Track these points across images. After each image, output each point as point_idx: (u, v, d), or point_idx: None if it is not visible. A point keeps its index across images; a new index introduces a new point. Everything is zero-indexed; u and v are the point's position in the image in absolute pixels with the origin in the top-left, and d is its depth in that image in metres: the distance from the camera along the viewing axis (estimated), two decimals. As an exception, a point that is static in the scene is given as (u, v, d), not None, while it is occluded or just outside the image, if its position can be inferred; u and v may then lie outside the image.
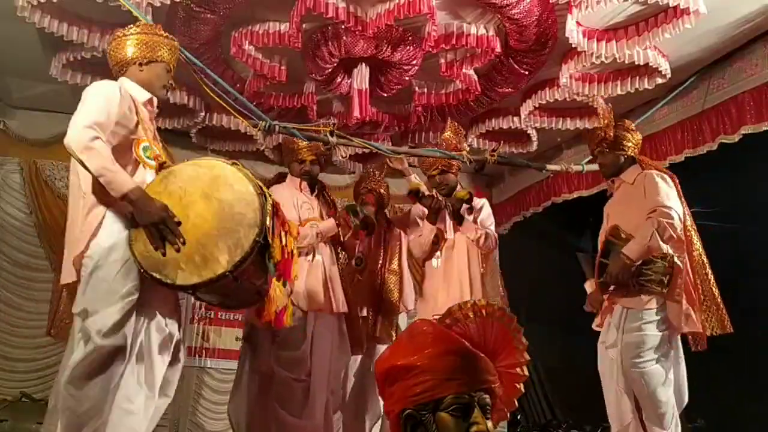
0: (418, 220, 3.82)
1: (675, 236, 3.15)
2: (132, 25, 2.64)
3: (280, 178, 3.76)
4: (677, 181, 3.36)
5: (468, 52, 4.25)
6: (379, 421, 3.97)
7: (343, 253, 3.96)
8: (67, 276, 2.39)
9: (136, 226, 2.30)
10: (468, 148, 3.93)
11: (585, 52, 4.01)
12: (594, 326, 3.43)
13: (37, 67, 4.59)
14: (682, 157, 4.61)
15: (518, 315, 1.58)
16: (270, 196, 2.46)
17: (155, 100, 2.63)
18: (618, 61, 4.05)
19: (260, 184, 2.46)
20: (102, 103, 2.36)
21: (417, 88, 4.77)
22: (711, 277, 3.33)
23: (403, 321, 4.26)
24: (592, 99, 4.61)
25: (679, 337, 3.29)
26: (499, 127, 5.20)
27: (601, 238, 3.49)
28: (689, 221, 3.35)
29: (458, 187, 3.85)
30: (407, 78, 4.45)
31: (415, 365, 1.43)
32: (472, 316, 1.55)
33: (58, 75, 4.48)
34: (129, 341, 2.28)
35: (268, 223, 2.34)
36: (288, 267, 2.53)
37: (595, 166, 3.77)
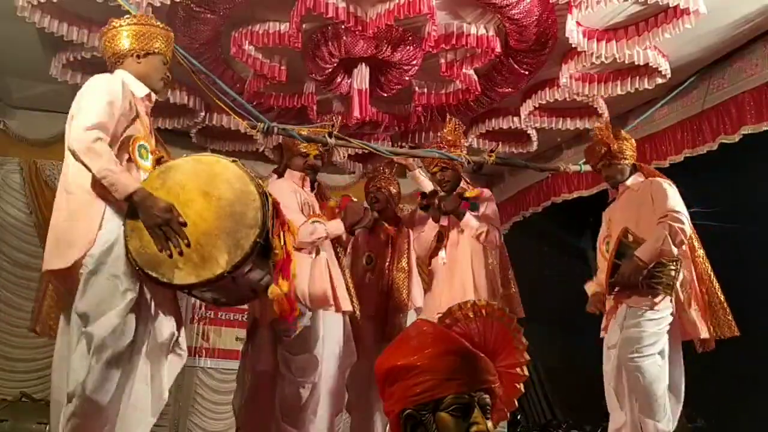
0: (423, 219, 3.81)
1: (686, 241, 3.24)
2: (127, 16, 2.60)
3: (277, 176, 3.71)
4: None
5: (468, 52, 4.25)
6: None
7: (347, 252, 3.94)
8: (59, 262, 2.29)
9: (130, 219, 2.25)
10: (466, 148, 3.93)
11: (585, 52, 4.01)
12: (601, 331, 3.44)
13: (37, 67, 4.60)
14: (681, 157, 4.62)
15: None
16: (270, 195, 2.42)
17: (153, 95, 2.59)
18: (618, 61, 4.05)
19: (260, 182, 2.42)
20: (104, 101, 2.32)
21: (417, 88, 4.77)
22: (715, 282, 3.39)
23: (411, 319, 4.25)
24: (592, 99, 4.62)
25: (680, 340, 3.32)
26: (499, 127, 5.20)
27: (600, 241, 3.54)
28: (691, 227, 3.39)
29: (462, 182, 3.83)
30: (407, 78, 4.46)
31: (415, 365, 1.43)
32: (472, 316, 1.55)
33: (58, 75, 4.48)
34: (132, 340, 2.26)
35: (268, 223, 2.30)
36: (287, 266, 2.49)
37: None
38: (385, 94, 4.62)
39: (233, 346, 5.84)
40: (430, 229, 3.76)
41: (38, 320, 2.73)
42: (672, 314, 3.22)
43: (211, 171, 2.33)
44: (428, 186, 3.86)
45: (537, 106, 4.82)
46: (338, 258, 3.54)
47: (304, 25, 3.92)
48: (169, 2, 3.57)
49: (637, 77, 4.32)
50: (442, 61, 4.27)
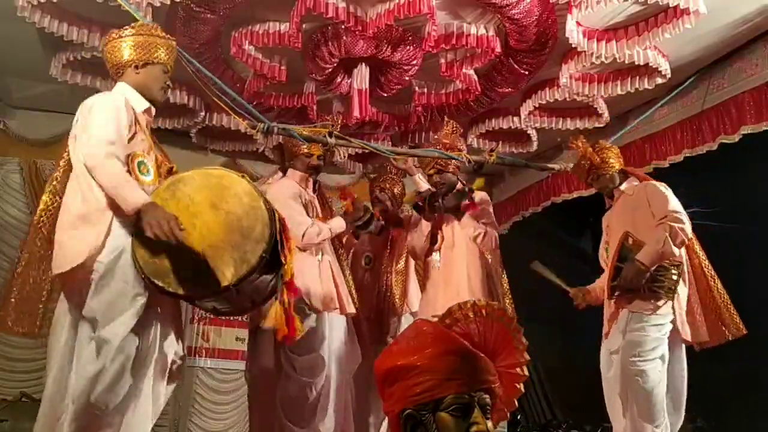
0: (418, 220, 3.81)
1: (687, 241, 3.23)
2: (127, 26, 2.60)
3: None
4: None
5: (468, 52, 4.25)
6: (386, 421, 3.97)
7: (346, 253, 3.94)
8: (65, 264, 2.31)
9: (139, 230, 2.29)
10: (465, 148, 3.93)
11: (585, 52, 4.01)
12: (603, 336, 3.44)
13: (37, 67, 4.59)
14: (681, 157, 4.62)
15: (518, 315, 1.58)
16: (277, 211, 2.45)
17: (153, 109, 2.62)
18: (618, 61, 4.05)
19: (268, 198, 2.45)
20: (112, 117, 2.37)
21: (417, 88, 4.77)
22: (718, 281, 3.40)
23: (406, 323, 4.25)
24: (592, 99, 4.62)
25: (683, 345, 3.33)
26: (499, 127, 5.20)
27: (602, 249, 3.55)
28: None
29: (459, 185, 3.83)
30: (407, 78, 4.46)
31: (415, 365, 1.43)
32: (472, 316, 1.55)
33: (58, 75, 4.48)
34: (139, 346, 2.30)
35: (277, 237, 2.33)
36: (292, 284, 2.52)
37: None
38: (385, 94, 4.62)
39: (233, 346, 5.84)
40: (425, 230, 3.75)
41: (42, 324, 2.73)
42: (672, 321, 3.21)
43: (221, 184, 2.37)
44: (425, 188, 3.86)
45: (537, 106, 4.83)
46: (340, 259, 3.55)
47: (304, 25, 3.92)
48: (169, 2, 3.57)
49: (637, 77, 4.32)
50: (442, 61, 4.27)
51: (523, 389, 1.61)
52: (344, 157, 5.83)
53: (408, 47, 4.13)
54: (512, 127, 5.19)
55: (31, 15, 3.74)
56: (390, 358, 1.49)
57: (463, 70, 4.31)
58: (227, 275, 2.24)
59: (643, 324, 3.16)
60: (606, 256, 3.47)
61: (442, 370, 1.42)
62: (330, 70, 4.33)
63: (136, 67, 2.54)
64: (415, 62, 4.23)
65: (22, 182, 5.54)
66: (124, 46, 2.55)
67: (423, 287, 3.92)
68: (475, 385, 1.42)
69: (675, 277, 3.17)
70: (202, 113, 5.12)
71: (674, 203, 3.25)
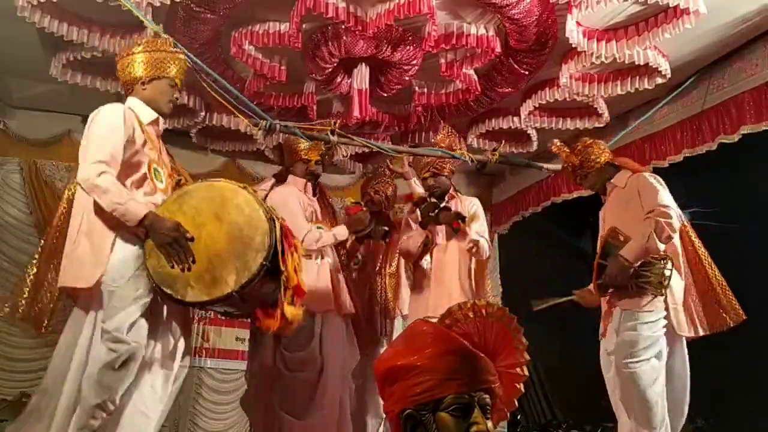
0: (411, 223, 3.82)
1: (674, 236, 3.16)
2: (137, 43, 2.69)
3: (278, 180, 3.73)
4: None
5: (468, 52, 4.25)
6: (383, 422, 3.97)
7: (344, 254, 3.95)
8: (68, 281, 2.45)
9: (149, 239, 2.39)
10: (463, 150, 3.93)
11: (585, 52, 4.01)
12: (600, 336, 3.42)
13: (37, 67, 4.59)
14: (681, 156, 4.61)
15: (518, 315, 1.58)
16: (278, 219, 2.54)
17: (161, 120, 2.70)
18: (618, 61, 4.05)
19: (270, 208, 2.56)
20: (105, 135, 2.44)
21: (417, 88, 4.77)
22: (716, 269, 3.35)
23: (399, 325, 4.27)
24: (592, 99, 4.62)
25: (683, 340, 3.29)
26: (499, 127, 5.20)
27: (600, 242, 3.51)
28: (684, 220, 3.37)
29: (451, 189, 3.85)
30: (407, 78, 4.45)
31: (415, 365, 1.43)
32: (472, 316, 1.55)
33: (58, 75, 4.48)
34: (144, 344, 2.38)
35: (277, 246, 2.43)
36: (299, 287, 2.60)
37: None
38: (385, 94, 4.62)
39: (233, 346, 5.84)
40: (418, 234, 3.75)
41: (49, 323, 2.79)
42: (666, 317, 3.15)
43: (223, 196, 2.49)
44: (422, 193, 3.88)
45: (537, 106, 4.82)
46: (341, 263, 3.58)
47: (304, 25, 3.92)
48: (169, 2, 3.57)
49: (637, 77, 4.32)
50: (442, 61, 4.27)
51: (523, 389, 1.61)
52: (345, 156, 5.83)
53: (408, 47, 4.13)
54: (512, 127, 5.18)
55: (31, 15, 3.74)
56: (390, 358, 1.49)
57: (463, 70, 4.31)
58: (230, 282, 2.37)
59: (635, 322, 3.10)
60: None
61: (442, 370, 1.42)
62: (330, 70, 4.33)
63: (143, 83, 2.63)
64: (415, 62, 4.23)
65: (22, 182, 5.53)
66: (135, 64, 2.64)
67: (413, 288, 3.92)
68: (475, 385, 1.42)
69: (664, 272, 3.07)
70: (202, 113, 5.11)
71: (663, 196, 3.16)
